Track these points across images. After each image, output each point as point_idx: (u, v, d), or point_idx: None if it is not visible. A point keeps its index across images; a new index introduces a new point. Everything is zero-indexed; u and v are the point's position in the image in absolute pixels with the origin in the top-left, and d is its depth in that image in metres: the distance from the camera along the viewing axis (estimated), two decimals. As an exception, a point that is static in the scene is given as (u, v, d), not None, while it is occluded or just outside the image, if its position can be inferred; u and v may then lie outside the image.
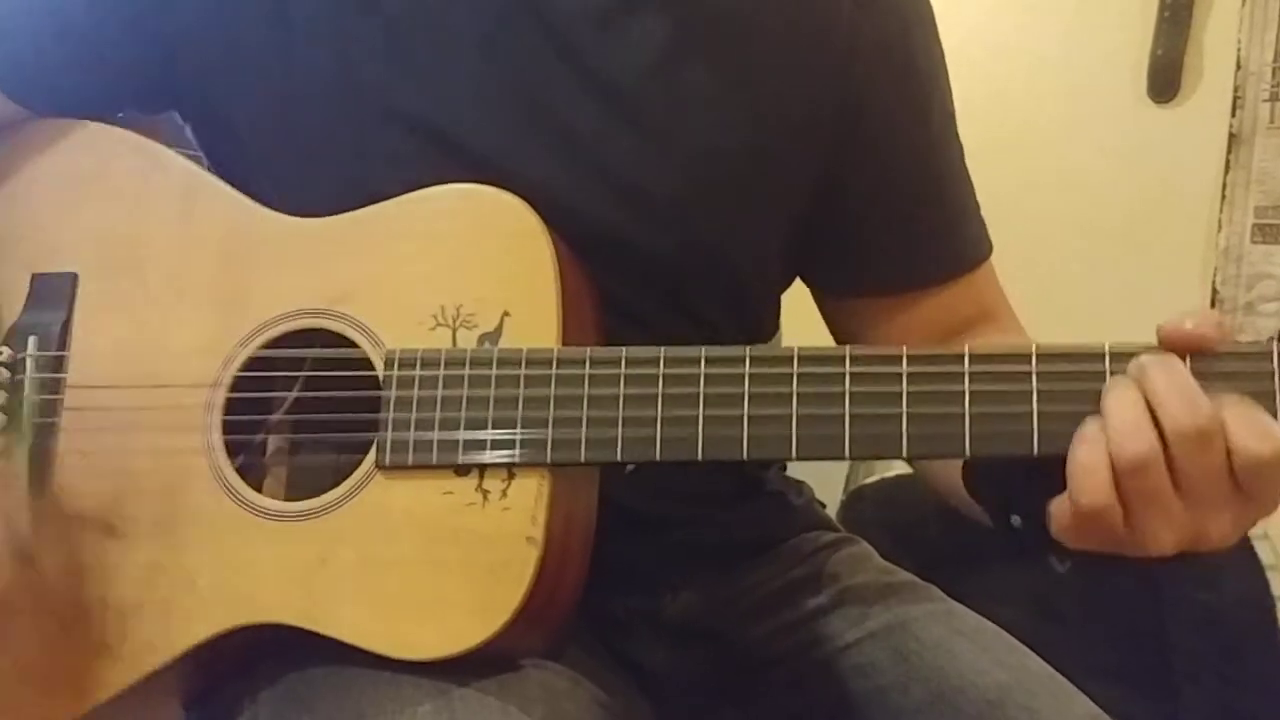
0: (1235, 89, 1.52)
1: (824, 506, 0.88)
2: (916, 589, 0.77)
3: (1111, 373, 0.54)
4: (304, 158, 0.68)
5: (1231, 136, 1.52)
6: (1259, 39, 1.51)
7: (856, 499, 1.53)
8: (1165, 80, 1.55)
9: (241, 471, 0.64)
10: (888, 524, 1.39)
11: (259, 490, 0.64)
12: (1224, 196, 1.53)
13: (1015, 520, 0.60)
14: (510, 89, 0.68)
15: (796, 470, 0.88)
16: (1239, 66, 1.51)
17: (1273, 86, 1.52)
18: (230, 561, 0.62)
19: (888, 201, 0.76)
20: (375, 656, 0.58)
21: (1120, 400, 0.52)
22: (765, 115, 0.71)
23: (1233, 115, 1.52)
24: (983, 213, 0.81)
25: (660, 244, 0.70)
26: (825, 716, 0.72)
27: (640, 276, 0.69)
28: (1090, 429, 0.53)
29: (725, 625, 0.77)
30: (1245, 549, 1.38)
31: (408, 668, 0.58)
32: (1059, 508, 0.54)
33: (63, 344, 0.66)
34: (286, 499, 0.63)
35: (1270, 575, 1.37)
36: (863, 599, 0.75)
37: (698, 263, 0.71)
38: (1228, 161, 1.52)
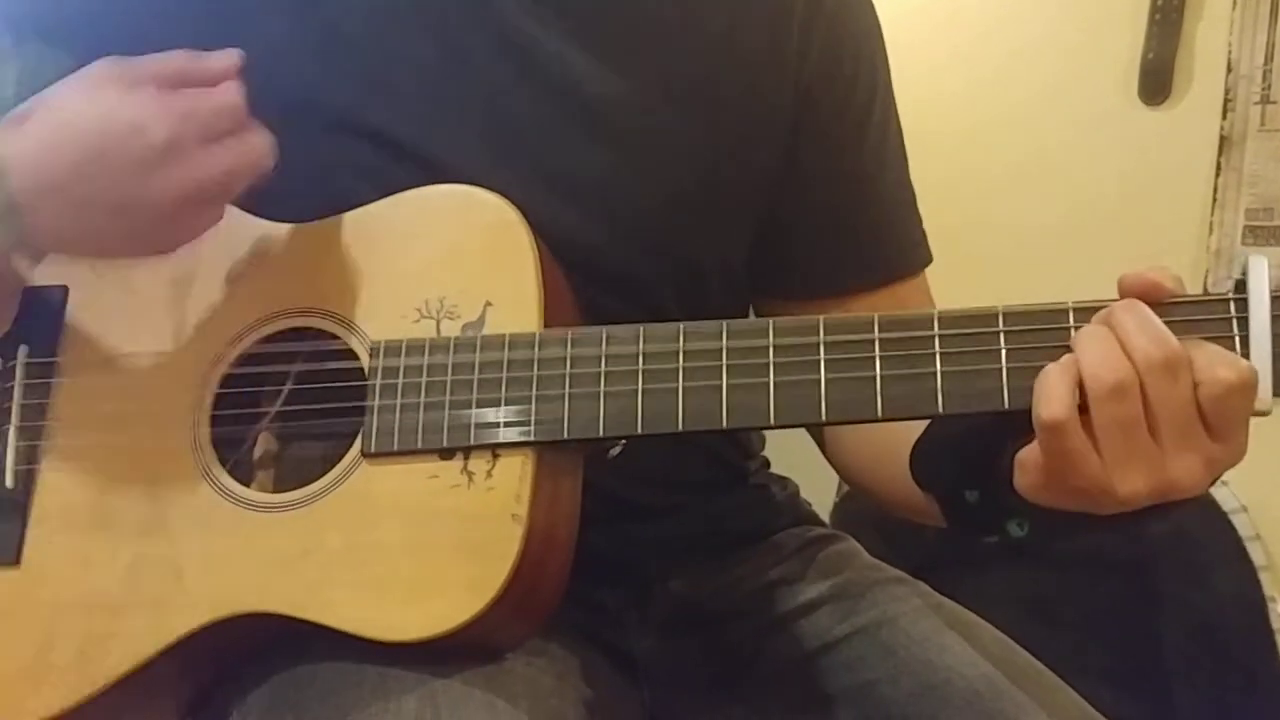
0: (1226, 91, 1.52)
1: (810, 505, 0.89)
2: (904, 584, 0.77)
3: (1075, 327, 0.55)
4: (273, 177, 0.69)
5: (1222, 139, 1.52)
6: (1249, 42, 1.52)
7: (850, 500, 1.52)
8: (1156, 83, 1.55)
9: (231, 468, 0.64)
10: (881, 525, 1.38)
11: (249, 487, 0.64)
12: (1215, 199, 1.53)
13: (970, 495, 0.61)
14: (470, 99, 0.69)
15: (787, 467, 0.89)
16: (1230, 69, 1.52)
17: (1263, 89, 1.52)
18: (216, 554, 0.62)
19: (824, 207, 0.77)
20: (363, 649, 0.58)
21: (1091, 335, 0.53)
22: (719, 117, 0.73)
23: (1224, 118, 1.52)
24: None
25: (619, 248, 0.71)
26: (814, 710, 0.72)
27: (601, 280, 0.70)
28: (1057, 363, 0.54)
29: (714, 616, 0.77)
30: (1237, 549, 1.38)
31: (394, 661, 0.58)
32: (1027, 455, 0.54)
33: (53, 352, 0.67)
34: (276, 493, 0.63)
35: (1262, 575, 1.37)
36: (850, 594, 0.76)
37: (659, 267, 0.72)
38: (1219, 164, 1.53)
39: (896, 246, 0.79)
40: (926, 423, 0.64)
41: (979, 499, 0.61)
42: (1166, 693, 1.37)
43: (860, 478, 0.80)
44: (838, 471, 0.82)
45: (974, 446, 0.59)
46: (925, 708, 0.67)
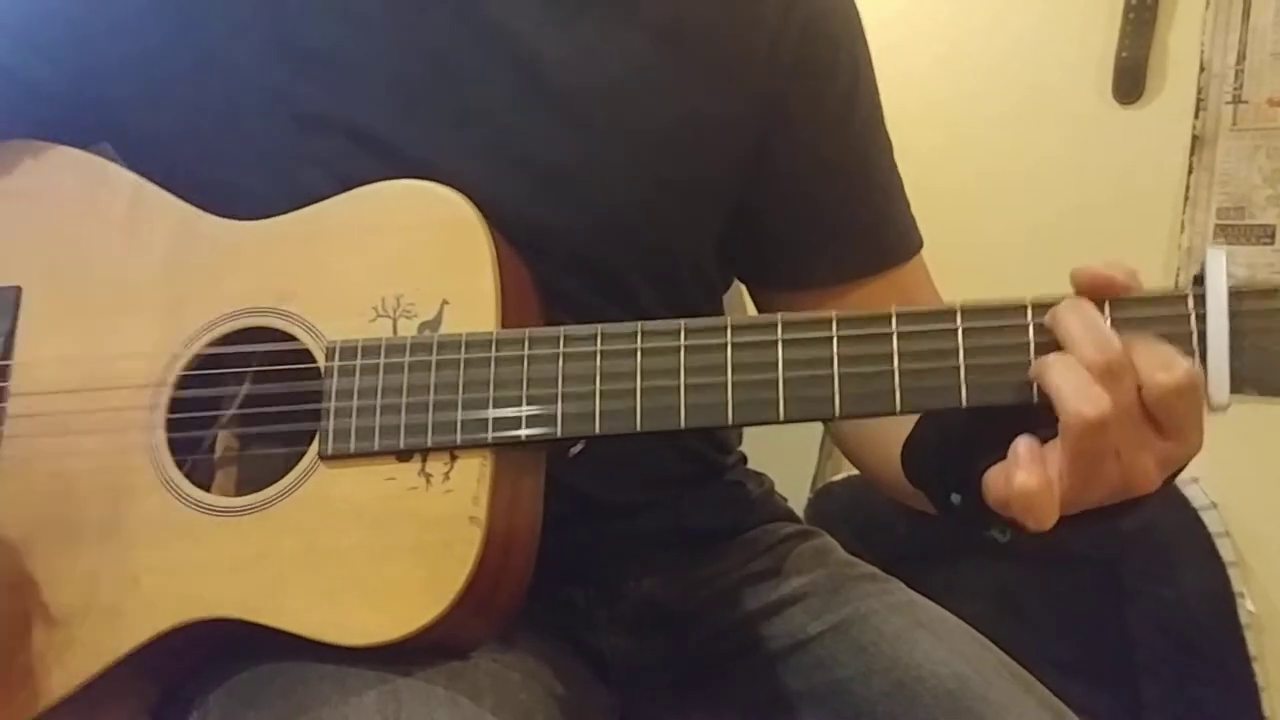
0: (1198, 91, 1.53)
1: (785, 500, 0.88)
2: (877, 581, 0.77)
3: (1033, 324, 0.54)
4: (232, 170, 0.68)
5: (1195, 138, 1.53)
6: (1222, 41, 1.52)
7: (824, 495, 1.53)
8: (1130, 82, 1.56)
9: (190, 471, 0.63)
10: (855, 520, 1.39)
11: (208, 490, 0.63)
12: (1187, 197, 1.54)
13: (954, 498, 0.61)
14: (431, 81, 0.68)
15: (761, 463, 0.88)
16: (1202, 69, 1.53)
17: (1235, 89, 1.53)
18: (174, 559, 0.61)
19: (811, 196, 0.76)
20: (323, 650, 0.58)
21: (1063, 367, 0.52)
22: (693, 105, 0.72)
23: (1196, 117, 1.53)
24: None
25: (591, 235, 0.70)
26: (786, 708, 0.72)
27: (573, 268, 0.69)
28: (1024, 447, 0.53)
29: (686, 614, 0.76)
30: (1207, 545, 1.39)
31: (355, 661, 0.58)
32: (993, 478, 0.54)
33: (6, 354, 0.66)
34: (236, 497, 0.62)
35: (1231, 571, 1.38)
36: (824, 591, 0.75)
37: (630, 255, 0.72)
38: (1191, 163, 1.53)
39: (890, 234, 0.79)
40: (916, 419, 0.64)
41: (962, 503, 0.60)
42: (1136, 687, 1.38)
43: (871, 473, 0.79)
44: (858, 469, 0.82)
45: (954, 451, 0.59)
46: (897, 706, 0.67)
